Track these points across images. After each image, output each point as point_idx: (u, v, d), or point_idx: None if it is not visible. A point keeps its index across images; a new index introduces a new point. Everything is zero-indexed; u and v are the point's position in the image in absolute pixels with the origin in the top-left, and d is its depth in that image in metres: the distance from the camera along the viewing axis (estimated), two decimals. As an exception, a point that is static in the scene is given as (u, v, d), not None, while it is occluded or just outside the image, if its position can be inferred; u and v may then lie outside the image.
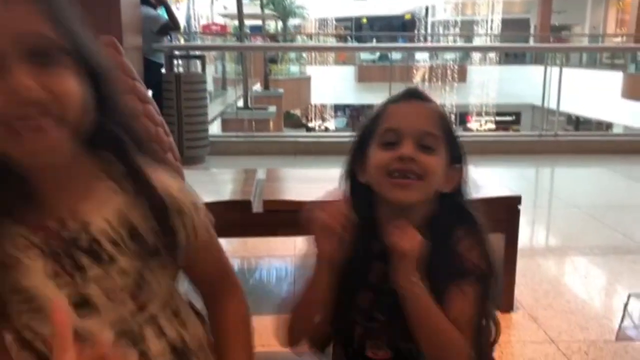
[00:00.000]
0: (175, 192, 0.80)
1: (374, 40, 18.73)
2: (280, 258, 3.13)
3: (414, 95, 1.09)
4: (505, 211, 2.34)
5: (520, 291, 2.55)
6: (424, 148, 1.03)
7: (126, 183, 0.78)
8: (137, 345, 0.79)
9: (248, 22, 15.38)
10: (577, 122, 16.93)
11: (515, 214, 2.37)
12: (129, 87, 1.11)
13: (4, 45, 0.65)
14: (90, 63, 0.72)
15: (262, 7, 15.58)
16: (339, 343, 1.11)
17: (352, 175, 1.10)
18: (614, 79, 13.74)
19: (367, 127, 1.09)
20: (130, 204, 0.77)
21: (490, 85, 16.66)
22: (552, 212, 4.38)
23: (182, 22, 10.48)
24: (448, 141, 1.06)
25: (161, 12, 5.51)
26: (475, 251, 1.03)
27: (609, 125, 15.71)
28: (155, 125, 1.14)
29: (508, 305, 2.49)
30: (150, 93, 2.35)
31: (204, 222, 0.84)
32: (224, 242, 1.02)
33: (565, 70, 6.78)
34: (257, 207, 2.12)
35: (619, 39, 19.15)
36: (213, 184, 2.68)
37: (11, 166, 0.70)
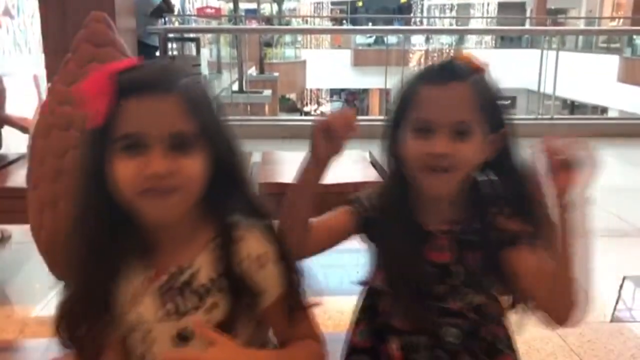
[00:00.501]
0: (254, 264, 0.90)
1: (370, 23, 18.63)
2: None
3: (449, 75, 1.00)
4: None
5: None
6: (459, 134, 0.98)
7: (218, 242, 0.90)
8: None
9: (243, 5, 15.24)
10: (573, 107, 16.91)
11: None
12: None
13: (150, 132, 0.80)
14: (219, 147, 0.86)
15: (257, -11, 15.46)
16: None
17: (393, 153, 1.06)
18: (610, 63, 13.69)
19: (400, 102, 1.04)
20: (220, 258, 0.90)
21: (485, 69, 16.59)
22: (548, 195, 4.37)
23: (176, 5, 10.38)
24: (486, 113, 1.01)
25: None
26: (515, 219, 1.02)
27: (604, 110, 15.70)
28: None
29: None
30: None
31: (275, 283, 0.92)
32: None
33: (561, 54, 6.75)
34: (252, 190, 2.11)
35: (615, 23, 19.08)
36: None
37: (139, 219, 0.86)
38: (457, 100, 0.99)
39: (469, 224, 1.04)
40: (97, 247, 0.86)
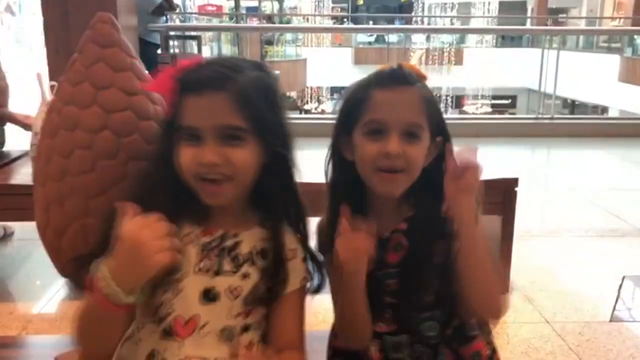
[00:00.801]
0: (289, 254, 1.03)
1: (371, 22, 18.61)
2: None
3: (400, 79, 1.05)
4: (502, 193, 2.34)
5: (516, 273, 2.55)
6: (410, 136, 1.03)
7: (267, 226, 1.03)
8: (231, 357, 0.97)
9: (244, 3, 15.23)
10: (573, 106, 16.91)
11: (512, 196, 2.37)
12: (127, 65, 1.10)
13: (205, 126, 0.92)
14: (271, 141, 0.97)
15: (258, -13, 15.44)
16: None
17: (338, 153, 1.10)
18: (611, 63, 13.67)
19: (350, 108, 1.07)
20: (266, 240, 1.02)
21: (486, 68, 16.59)
22: (548, 194, 4.39)
23: (178, 3, 10.37)
24: (431, 118, 1.06)
25: (157, -8, 5.46)
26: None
27: (604, 109, 15.69)
28: (153, 104, 1.13)
29: (504, 287, 2.50)
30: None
31: (298, 276, 1.04)
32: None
33: (562, 53, 6.76)
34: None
35: (616, 22, 19.06)
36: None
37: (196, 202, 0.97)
38: (410, 102, 1.04)
39: (418, 219, 1.09)
40: (157, 200, 0.95)
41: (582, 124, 6.62)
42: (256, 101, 0.95)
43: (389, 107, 1.03)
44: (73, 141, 1.08)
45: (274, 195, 1.02)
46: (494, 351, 1.15)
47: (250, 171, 0.97)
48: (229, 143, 0.93)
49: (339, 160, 1.10)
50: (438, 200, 1.04)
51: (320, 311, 2.18)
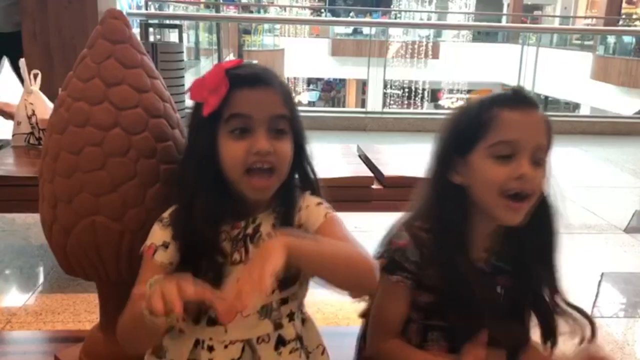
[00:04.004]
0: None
1: (352, 13, 18.61)
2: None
3: (528, 102, 1.02)
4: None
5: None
6: (537, 163, 1.00)
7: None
8: (276, 329, 1.04)
9: (221, -9, 15.08)
10: (546, 102, 17.18)
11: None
12: (137, 61, 1.09)
13: (256, 114, 0.97)
14: (297, 133, 1.04)
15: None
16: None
17: (443, 175, 1.05)
18: (584, 60, 13.92)
19: (469, 128, 1.02)
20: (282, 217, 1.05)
21: (462, 63, 16.73)
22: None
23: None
24: (549, 145, 1.04)
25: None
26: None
27: (576, 106, 15.98)
28: (163, 101, 1.12)
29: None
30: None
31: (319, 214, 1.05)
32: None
33: (535, 49, 6.87)
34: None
35: (589, 21, 19.39)
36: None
37: (232, 188, 1.01)
38: (540, 125, 1.01)
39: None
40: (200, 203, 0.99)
41: (558, 121, 6.74)
42: (291, 97, 1.04)
43: (521, 129, 0.98)
44: (83, 138, 1.07)
45: (290, 184, 1.06)
46: None
47: (289, 162, 1.02)
48: (275, 135, 0.99)
49: (446, 187, 1.05)
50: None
51: (320, 308, 2.22)
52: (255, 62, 1.11)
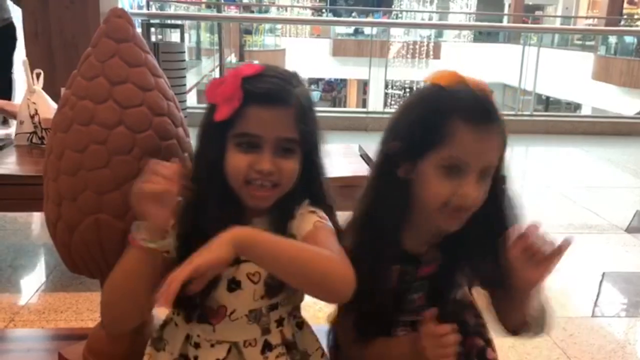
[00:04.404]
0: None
1: (354, 13, 18.62)
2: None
3: (489, 117, 0.99)
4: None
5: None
6: (484, 177, 1.00)
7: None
8: (263, 334, 1.05)
9: (222, -9, 15.08)
10: (547, 103, 17.17)
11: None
12: (142, 60, 1.09)
13: (265, 135, 0.97)
14: (310, 150, 1.03)
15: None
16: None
17: (391, 169, 1.05)
18: (585, 61, 13.92)
19: (423, 132, 0.99)
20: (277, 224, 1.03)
21: (463, 63, 16.73)
22: (527, 191, 4.47)
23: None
24: (501, 157, 1.04)
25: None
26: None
27: (577, 106, 15.97)
28: (166, 100, 1.12)
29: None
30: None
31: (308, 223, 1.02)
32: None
33: (536, 49, 6.88)
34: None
35: (590, 21, 19.38)
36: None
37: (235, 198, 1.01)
38: (495, 146, 1.00)
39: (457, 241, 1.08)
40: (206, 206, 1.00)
41: (560, 121, 6.74)
42: (309, 115, 1.02)
43: (478, 148, 0.97)
44: (88, 136, 1.08)
45: (292, 193, 1.04)
46: (488, 342, 1.18)
47: (294, 179, 1.02)
48: (282, 154, 0.99)
49: (391, 176, 1.05)
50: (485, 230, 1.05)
51: (322, 307, 2.22)
52: (275, 66, 1.03)
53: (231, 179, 1.00)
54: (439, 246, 1.10)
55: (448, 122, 0.96)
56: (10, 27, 3.72)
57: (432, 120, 0.98)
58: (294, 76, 1.03)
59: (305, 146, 1.02)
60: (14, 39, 3.75)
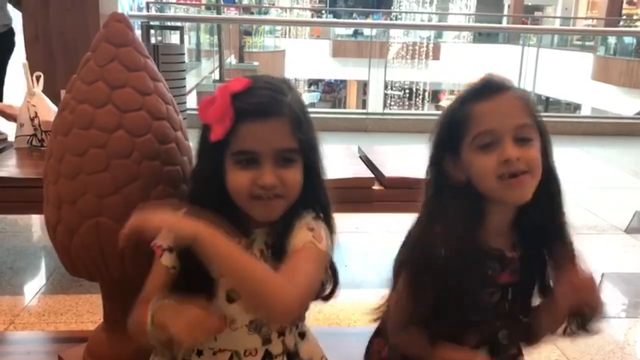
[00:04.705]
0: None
1: (354, 14, 18.64)
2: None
3: (498, 88, 1.05)
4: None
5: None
6: (523, 141, 1.02)
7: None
8: (264, 344, 1.05)
9: (222, -7, 15.10)
10: (547, 103, 17.19)
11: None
12: (141, 64, 1.10)
13: (261, 149, 0.96)
14: (310, 157, 1.02)
15: (236, -23, 15.30)
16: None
17: (441, 175, 1.08)
18: (585, 61, 13.92)
19: (451, 129, 1.06)
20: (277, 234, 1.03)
21: (463, 64, 16.74)
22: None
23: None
24: (536, 119, 1.06)
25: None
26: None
27: (577, 107, 15.97)
28: (165, 104, 1.13)
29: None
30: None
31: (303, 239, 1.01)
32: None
33: (535, 49, 6.88)
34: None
35: (589, 22, 19.40)
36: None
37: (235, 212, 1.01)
38: (515, 106, 1.04)
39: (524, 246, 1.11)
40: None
41: (559, 122, 6.74)
42: (304, 122, 1.00)
43: (495, 115, 1.02)
44: (88, 140, 1.09)
45: (300, 201, 1.04)
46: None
47: (299, 188, 1.01)
48: (283, 165, 0.98)
49: (446, 184, 1.08)
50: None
51: (321, 309, 2.23)
52: (264, 76, 1.04)
53: (235, 197, 0.99)
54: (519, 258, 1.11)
55: (467, 107, 1.04)
56: (10, 33, 3.73)
57: (456, 114, 1.06)
58: (284, 83, 1.02)
59: (306, 153, 1.01)
60: (12, 45, 3.75)
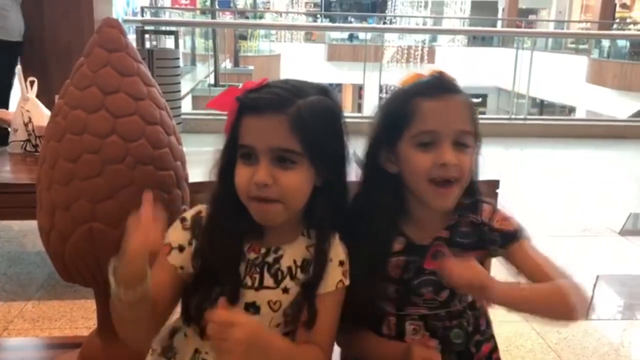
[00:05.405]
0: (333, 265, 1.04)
1: (351, 18, 18.68)
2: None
3: (447, 89, 1.04)
4: (484, 195, 2.39)
5: (494, 272, 2.62)
6: (460, 146, 1.02)
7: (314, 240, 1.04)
8: None
9: (217, -3, 15.12)
10: (542, 106, 17.24)
11: (494, 198, 2.42)
12: (134, 70, 1.10)
13: (260, 146, 0.94)
14: (325, 165, 0.97)
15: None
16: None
17: (375, 162, 1.07)
18: (579, 64, 13.98)
19: (393, 120, 1.05)
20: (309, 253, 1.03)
21: (457, 67, 16.79)
22: (521, 195, 4.48)
23: (150, -4, 10.27)
24: (475, 127, 1.06)
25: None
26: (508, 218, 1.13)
27: (572, 110, 16.04)
28: (159, 108, 1.13)
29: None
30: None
31: (336, 279, 1.03)
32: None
33: (530, 52, 6.91)
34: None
35: (583, 25, 19.49)
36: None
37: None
38: (459, 111, 1.04)
39: (458, 229, 1.10)
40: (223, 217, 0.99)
41: (554, 124, 6.76)
42: (313, 126, 0.95)
43: (439, 117, 1.01)
44: (81, 145, 1.08)
45: (323, 217, 1.02)
46: (495, 348, 1.20)
47: (299, 195, 0.98)
48: (281, 165, 0.95)
49: (378, 173, 1.07)
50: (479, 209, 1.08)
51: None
52: (287, 79, 1.02)
53: (239, 195, 0.97)
54: (446, 241, 1.11)
55: (411, 103, 1.02)
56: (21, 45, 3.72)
57: (400, 106, 1.04)
58: (311, 88, 1.00)
59: (313, 159, 0.96)
60: (22, 51, 3.75)
